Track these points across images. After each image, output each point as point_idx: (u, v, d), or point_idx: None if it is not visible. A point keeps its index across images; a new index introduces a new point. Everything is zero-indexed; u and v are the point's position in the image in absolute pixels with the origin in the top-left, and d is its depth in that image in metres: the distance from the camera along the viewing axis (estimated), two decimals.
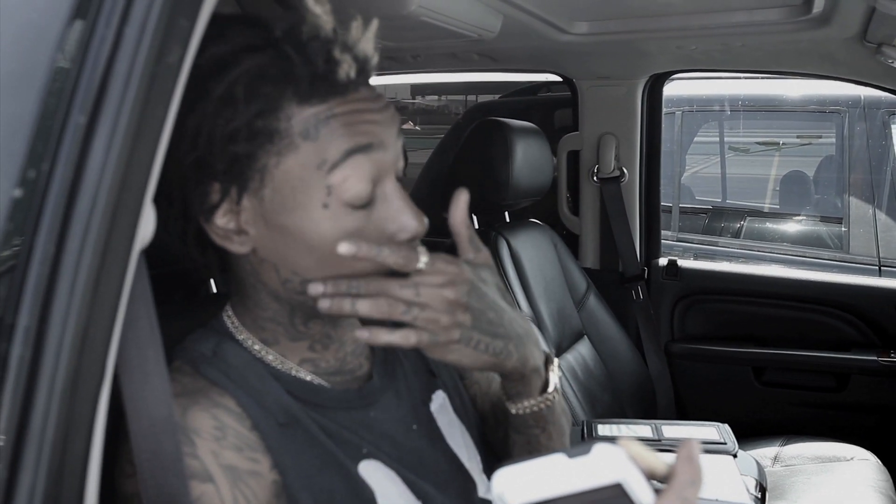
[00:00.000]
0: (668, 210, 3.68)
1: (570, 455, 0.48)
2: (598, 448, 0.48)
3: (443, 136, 3.76)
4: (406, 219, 0.70)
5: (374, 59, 0.71)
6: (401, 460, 0.75)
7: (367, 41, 0.69)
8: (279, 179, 0.67)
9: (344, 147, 0.67)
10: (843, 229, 3.38)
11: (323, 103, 0.66)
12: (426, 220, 0.71)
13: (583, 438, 1.51)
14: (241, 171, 0.67)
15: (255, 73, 0.65)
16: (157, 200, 0.57)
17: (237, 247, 0.70)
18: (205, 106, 0.65)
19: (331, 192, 0.67)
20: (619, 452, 0.48)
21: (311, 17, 0.66)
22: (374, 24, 0.70)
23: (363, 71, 0.69)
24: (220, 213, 0.69)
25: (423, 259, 0.69)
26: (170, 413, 0.58)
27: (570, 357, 1.88)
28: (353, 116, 0.67)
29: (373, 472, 0.72)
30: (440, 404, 0.83)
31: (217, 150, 0.66)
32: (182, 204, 0.69)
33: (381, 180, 0.70)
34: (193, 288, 0.97)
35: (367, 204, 0.69)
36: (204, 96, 0.65)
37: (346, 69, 0.66)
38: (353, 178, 0.67)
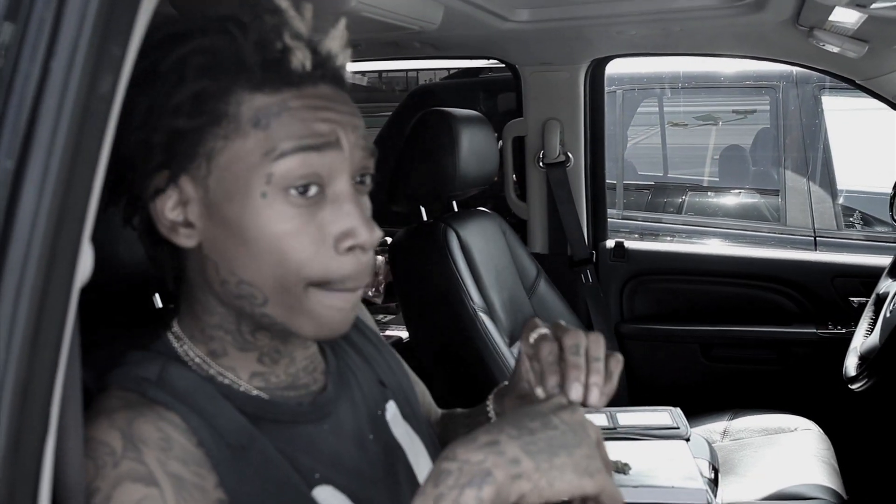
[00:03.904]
0: (613, 187, 3.73)
1: None
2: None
3: (386, 113, 3.71)
4: (352, 223, 0.66)
5: (340, 59, 0.69)
6: (354, 477, 0.74)
7: (332, 39, 0.68)
8: (223, 166, 0.65)
9: (295, 140, 0.65)
10: (780, 201, 3.48)
11: (276, 93, 0.65)
12: (379, 233, 0.68)
13: None
14: (185, 151, 0.65)
15: (205, 51, 0.64)
16: (107, 183, 0.55)
17: (183, 239, 0.68)
18: (152, 81, 0.64)
19: (270, 179, 0.64)
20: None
21: (261, 2, 0.64)
22: (342, 23, 0.68)
23: (323, 66, 0.67)
24: (169, 204, 0.67)
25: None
26: (80, 479, 0.55)
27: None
28: (309, 112, 0.65)
29: (327, 499, 0.71)
30: (393, 413, 0.82)
31: (161, 124, 0.64)
32: (131, 189, 0.68)
33: (333, 180, 0.67)
34: (134, 309, 0.94)
35: (310, 199, 0.65)
36: (152, 72, 0.64)
37: (301, 58, 0.64)
38: (296, 169, 0.65)
